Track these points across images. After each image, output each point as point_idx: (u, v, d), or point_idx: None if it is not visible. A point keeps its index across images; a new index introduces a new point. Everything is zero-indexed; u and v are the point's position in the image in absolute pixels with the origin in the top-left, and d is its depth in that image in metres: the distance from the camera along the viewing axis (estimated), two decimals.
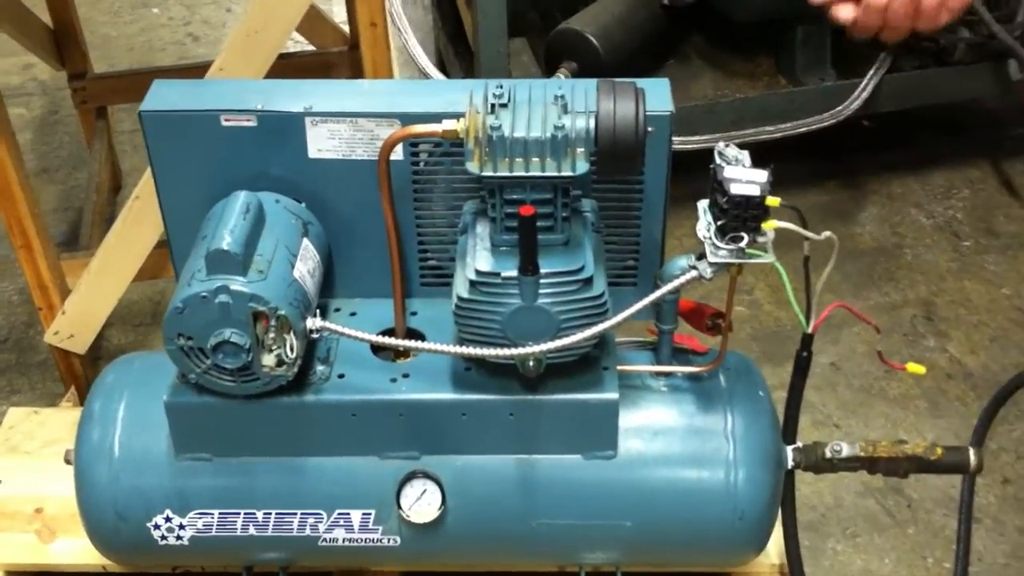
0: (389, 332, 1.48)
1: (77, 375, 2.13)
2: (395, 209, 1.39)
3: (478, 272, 1.29)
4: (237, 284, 1.29)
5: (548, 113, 1.27)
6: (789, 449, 1.54)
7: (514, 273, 1.28)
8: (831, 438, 1.82)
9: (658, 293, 1.33)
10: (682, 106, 2.38)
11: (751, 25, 2.48)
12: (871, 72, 2.37)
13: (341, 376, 1.43)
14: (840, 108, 2.36)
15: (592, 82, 1.30)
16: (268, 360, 1.34)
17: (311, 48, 2.72)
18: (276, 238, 1.37)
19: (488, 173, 1.24)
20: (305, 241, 1.41)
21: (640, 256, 1.49)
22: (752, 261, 1.30)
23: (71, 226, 2.63)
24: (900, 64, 2.41)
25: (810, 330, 1.47)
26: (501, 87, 1.30)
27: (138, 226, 1.93)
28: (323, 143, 1.42)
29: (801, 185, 2.56)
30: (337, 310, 1.53)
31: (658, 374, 1.48)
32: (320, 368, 1.43)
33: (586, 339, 1.30)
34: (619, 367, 1.43)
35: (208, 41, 3.40)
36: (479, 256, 1.30)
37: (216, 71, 1.78)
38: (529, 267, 1.27)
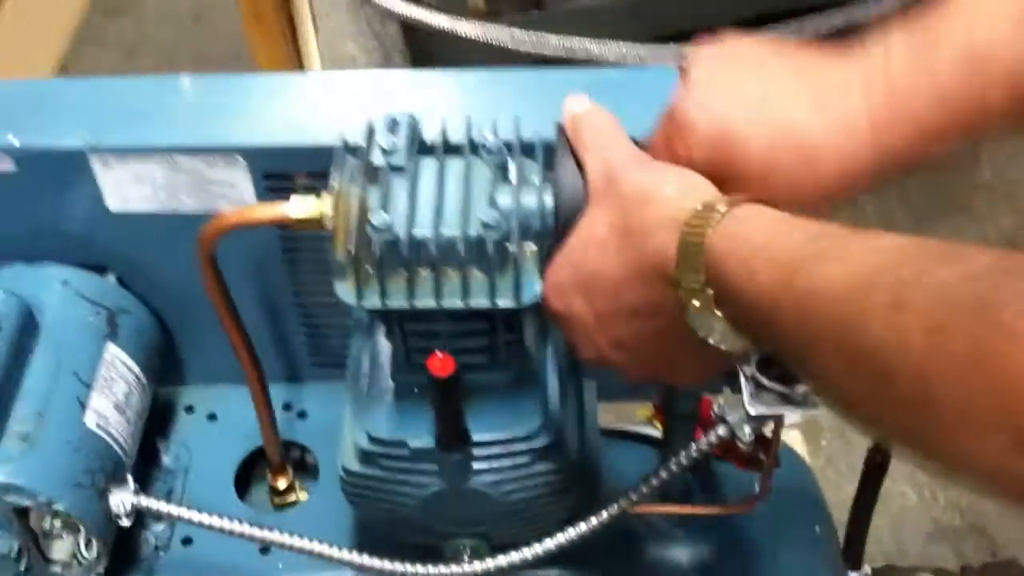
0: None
1: None
2: (232, 298, 0.86)
3: (373, 439, 0.79)
4: None
5: (473, 186, 0.73)
6: None
7: (429, 445, 0.78)
8: None
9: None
10: None
11: None
12: None
13: (187, 542, 0.94)
14: None
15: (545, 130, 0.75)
16: (59, 553, 0.86)
17: None
18: (56, 360, 0.86)
19: (373, 304, 0.72)
20: (111, 350, 0.90)
21: None
22: (817, 411, 0.79)
23: None
24: None
25: None
26: (396, 126, 0.76)
27: None
28: (128, 191, 0.89)
29: None
30: (189, 410, 1.04)
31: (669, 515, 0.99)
32: (156, 530, 0.95)
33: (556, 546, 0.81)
34: (610, 510, 0.94)
35: None
36: (374, 412, 0.80)
37: None
38: (450, 443, 0.76)
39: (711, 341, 0.61)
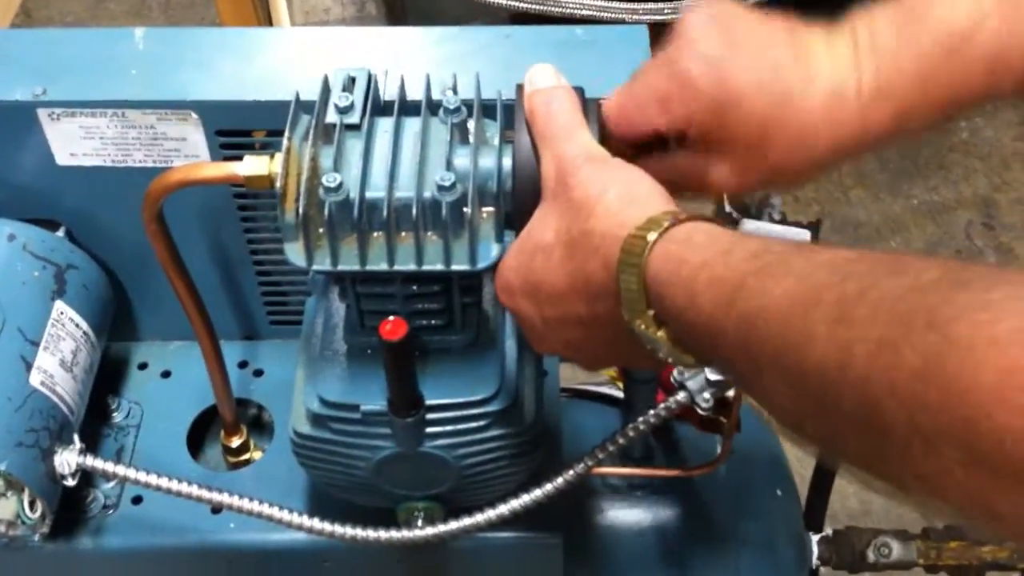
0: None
1: None
2: (180, 255, 0.83)
3: (323, 402, 0.78)
4: None
5: (430, 146, 0.71)
6: (814, 539, 1.07)
7: (381, 407, 0.76)
8: None
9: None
10: None
11: None
12: None
13: (137, 501, 0.93)
14: None
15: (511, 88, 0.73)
16: (3, 512, 0.84)
17: None
18: (0, 317, 0.84)
19: (324, 267, 0.70)
20: (59, 306, 0.87)
21: None
22: None
23: None
24: None
25: None
26: (352, 83, 0.73)
27: None
28: (76, 145, 0.86)
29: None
30: (142, 366, 1.02)
31: (627, 477, 0.98)
32: (105, 488, 0.93)
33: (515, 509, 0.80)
34: (567, 475, 0.93)
35: None
36: (326, 374, 0.78)
37: None
38: (402, 408, 0.75)
39: (659, 356, 0.59)
